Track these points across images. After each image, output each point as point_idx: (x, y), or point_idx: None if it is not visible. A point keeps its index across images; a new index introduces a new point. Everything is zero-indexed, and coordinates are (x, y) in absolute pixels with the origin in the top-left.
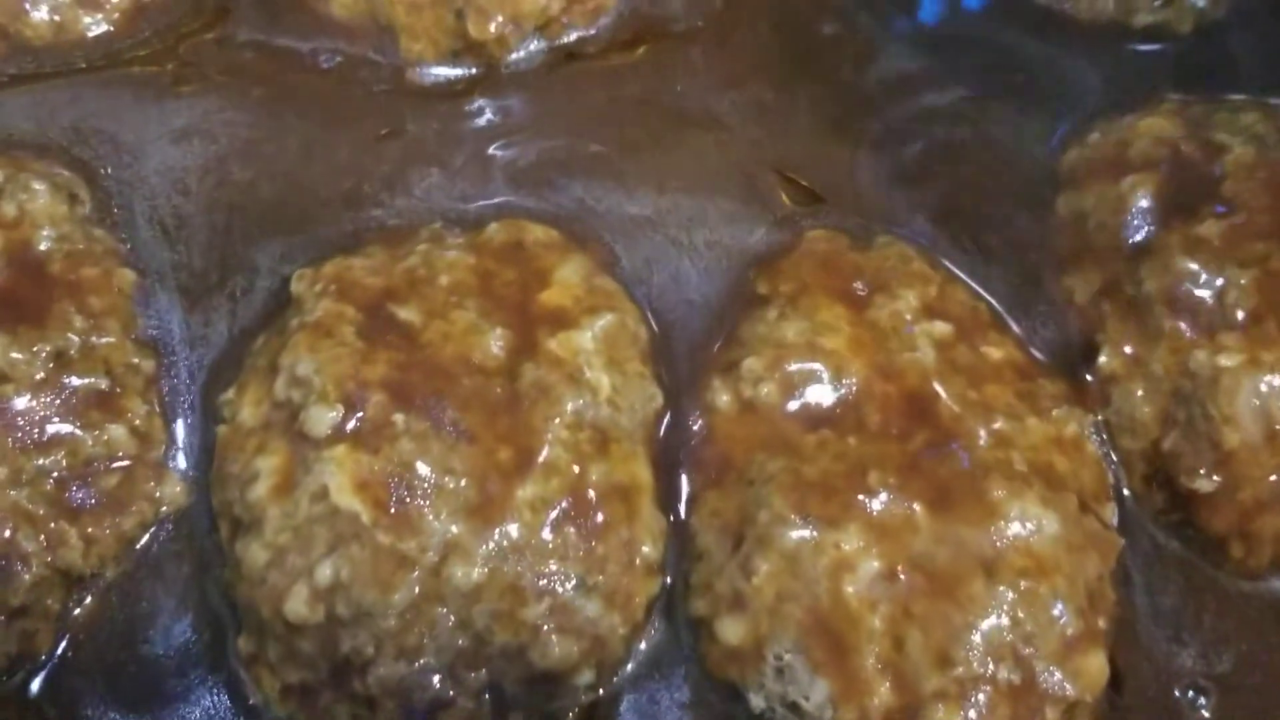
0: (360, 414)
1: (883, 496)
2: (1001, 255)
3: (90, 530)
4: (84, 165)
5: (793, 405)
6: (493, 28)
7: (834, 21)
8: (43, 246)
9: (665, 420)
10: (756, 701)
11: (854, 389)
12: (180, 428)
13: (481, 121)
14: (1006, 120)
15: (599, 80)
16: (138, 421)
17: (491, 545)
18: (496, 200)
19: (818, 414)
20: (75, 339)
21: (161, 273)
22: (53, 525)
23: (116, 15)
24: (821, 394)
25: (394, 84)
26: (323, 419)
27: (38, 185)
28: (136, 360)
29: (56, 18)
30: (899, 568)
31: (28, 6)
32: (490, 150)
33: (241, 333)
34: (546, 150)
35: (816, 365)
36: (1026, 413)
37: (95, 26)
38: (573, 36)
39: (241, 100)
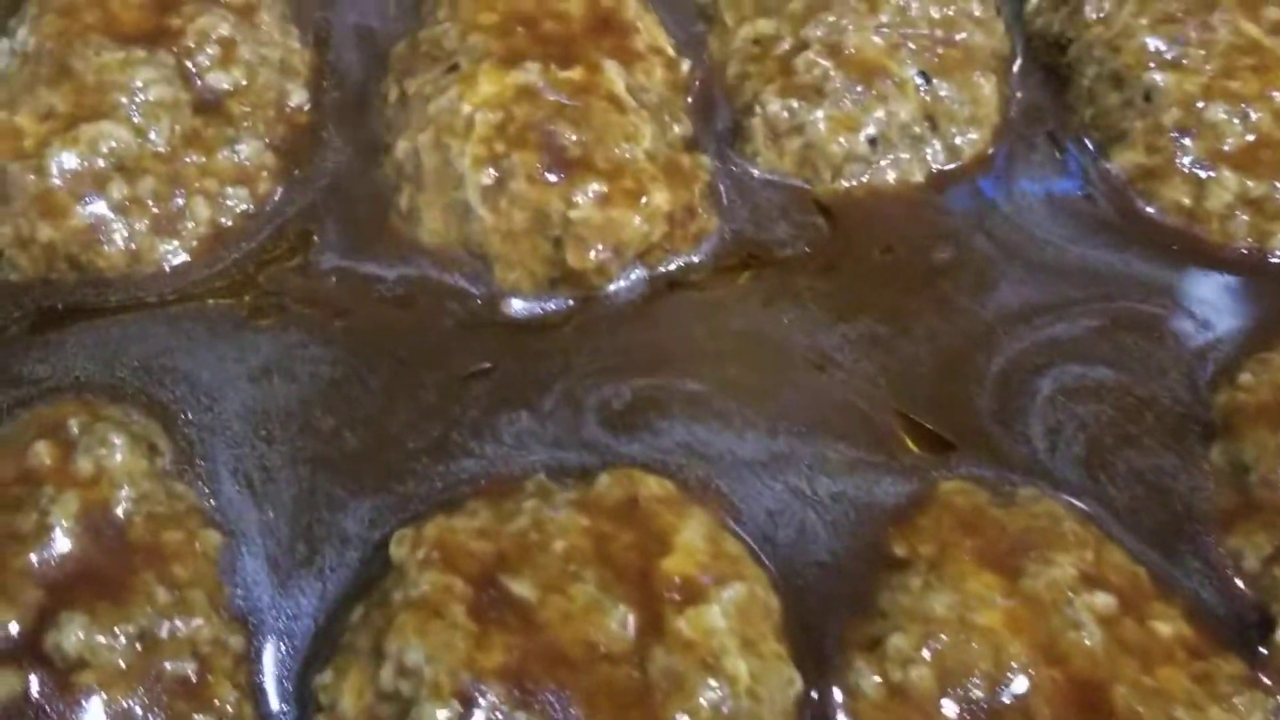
0: (477, 712)
1: None
2: (1152, 509)
3: None
4: (161, 409)
5: (949, 692)
6: (593, 256)
7: (948, 246)
8: (122, 508)
9: (806, 708)
10: None
11: (1017, 675)
12: (272, 715)
13: (575, 357)
14: (1143, 355)
15: (700, 311)
16: (229, 707)
17: None
18: (595, 446)
19: (978, 704)
20: (160, 618)
21: (248, 534)
22: None
23: (195, 243)
24: (980, 680)
25: (484, 316)
26: (436, 718)
27: (116, 437)
28: (225, 637)
29: (133, 246)
30: None
31: (102, 236)
32: (583, 390)
33: (337, 602)
34: (643, 389)
35: (973, 645)
36: (1206, 700)
37: (173, 255)
38: (674, 264)
39: (323, 334)
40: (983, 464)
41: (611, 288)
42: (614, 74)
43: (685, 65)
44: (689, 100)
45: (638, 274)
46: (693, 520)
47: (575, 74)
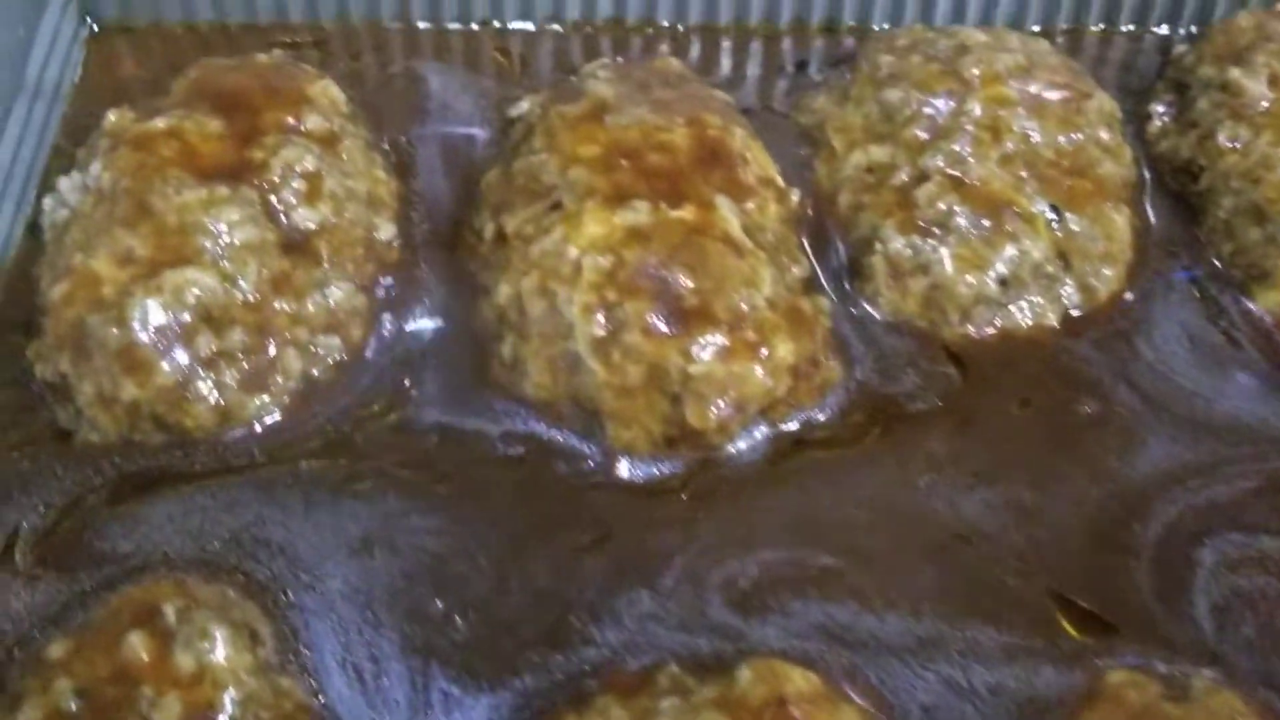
0: None
1: None
2: None
3: None
4: (259, 588)
5: None
6: (714, 414)
7: (1090, 399)
8: (228, 714)
9: None
10: None
11: None
12: None
13: (695, 527)
14: None
15: (827, 473)
16: None
17: None
18: (724, 630)
19: None
20: None
21: None
22: None
23: (286, 399)
24: None
25: (596, 478)
26: None
27: (216, 628)
28: None
29: (222, 403)
30: None
31: (189, 394)
32: (706, 565)
33: None
34: (770, 564)
35: None
36: None
37: (264, 413)
38: (798, 421)
39: (425, 500)
40: (1149, 649)
41: (732, 448)
42: (728, 212)
43: (795, 195)
44: (802, 236)
45: (760, 432)
46: None
47: (687, 213)
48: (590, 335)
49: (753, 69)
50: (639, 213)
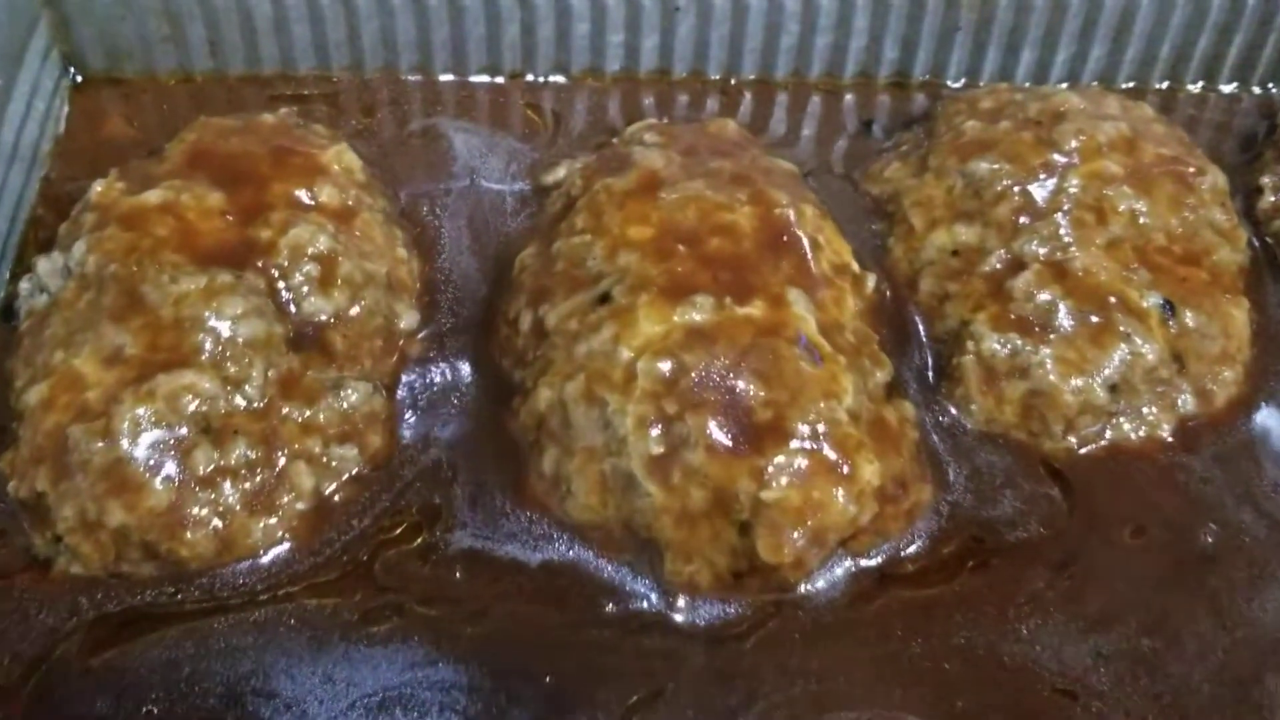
0: None
1: None
2: None
3: None
4: None
5: None
6: (788, 546)
7: (1214, 525)
8: None
9: None
10: None
11: None
12: None
13: (764, 682)
14: None
15: (917, 616)
16: None
17: None
18: None
19: None
20: None
21: None
22: None
23: (295, 522)
24: None
25: (650, 618)
26: None
27: None
28: None
29: (221, 529)
30: None
31: (184, 518)
32: None
33: None
34: None
35: None
36: None
37: (269, 540)
38: (884, 553)
39: (453, 646)
40: None
41: (808, 586)
42: (802, 309)
43: (871, 281)
44: (881, 330)
45: (841, 567)
46: None
47: (756, 310)
48: (646, 452)
49: (811, 128)
50: (701, 310)
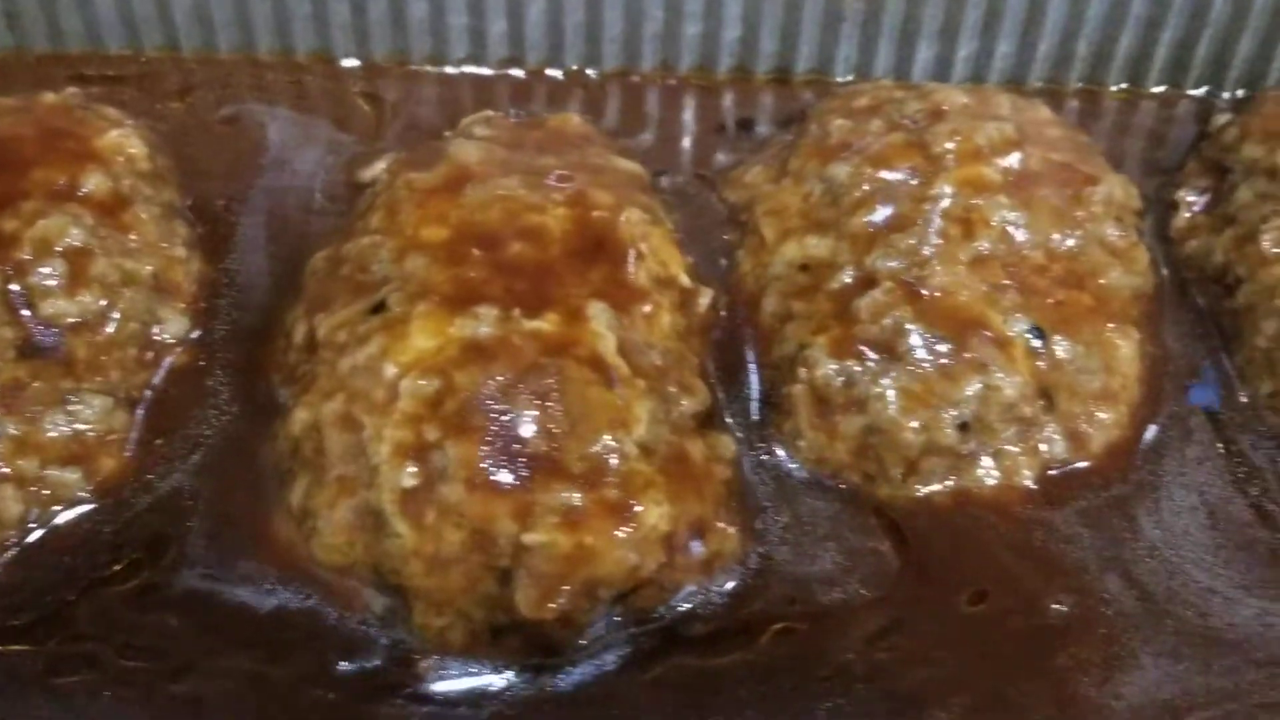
0: None
1: None
2: None
3: None
4: None
5: None
6: (552, 600)
7: (1071, 595)
8: None
9: None
10: None
11: None
12: None
13: None
14: None
15: (699, 686)
16: None
17: None
18: None
19: None
20: None
21: None
22: None
23: None
24: None
25: (391, 679)
26: None
27: None
28: None
29: None
30: None
31: None
32: None
33: None
34: None
35: None
36: None
37: None
38: (672, 612)
39: (145, 705)
40: None
41: (579, 646)
42: (602, 325)
43: (705, 297)
44: (707, 354)
45: (619, 626)
46: None
47: (548, 324)
48: (397, 485)
49: (680, 127)
50: (483, 322)
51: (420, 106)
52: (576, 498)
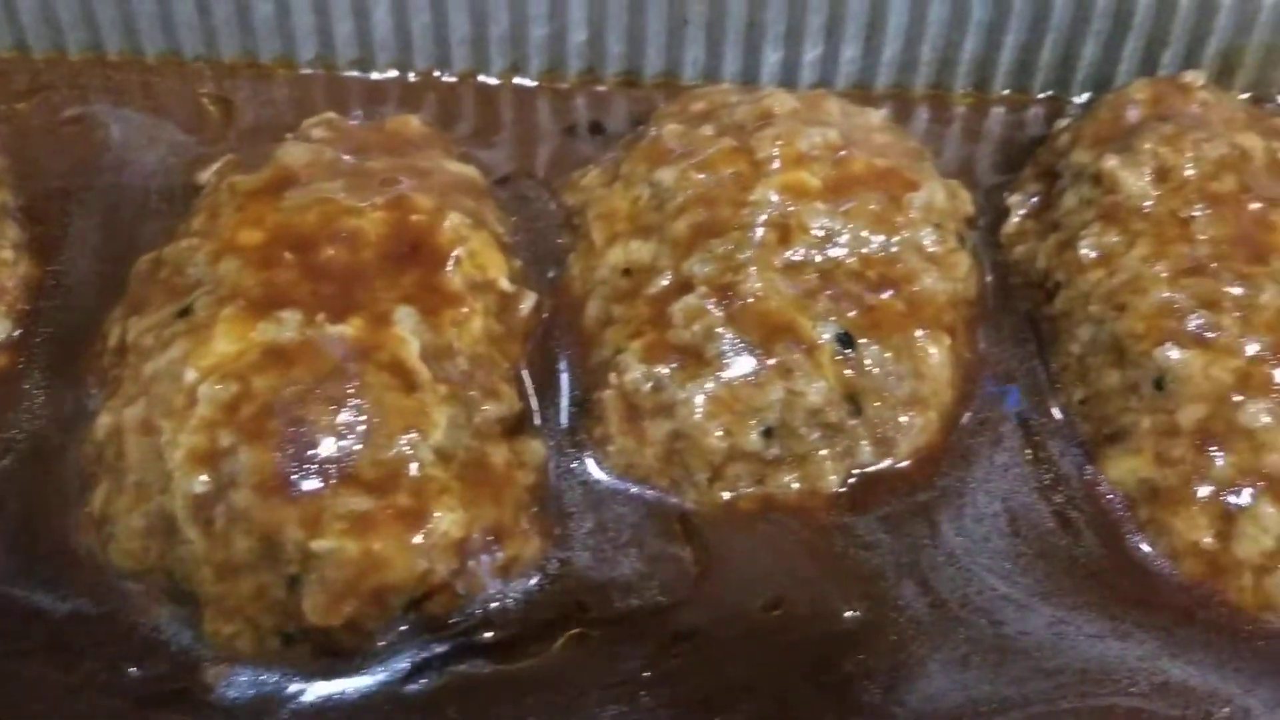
0: None
1: None
2: None
3: None
4: None
5: None
6: (340, 607)
7: (865, 601)
8: None
9: None
10: None
11: None
12: None
13: None
14: None
15: (483, 693)
16: None
17: None
18: None
19: None
20: None
21: None
22: None
23: None
24: None
25: (175, 691)
26: None
27: None
28: None
29: None
30: None
31: None
32: None
33: None
34: None
35: None
36: None
37: None
38: (465, 619)
39: None
40: None
41: (372, 651)
42: (406, 330)
43: (528, 303)
44: (523, 360)
45: (412, 633)
46: None
47: (351, 328)
48: (189, 491)
49: (535, 131)
50: (285, 326)
51: (268, 109)
52: (367, 504)
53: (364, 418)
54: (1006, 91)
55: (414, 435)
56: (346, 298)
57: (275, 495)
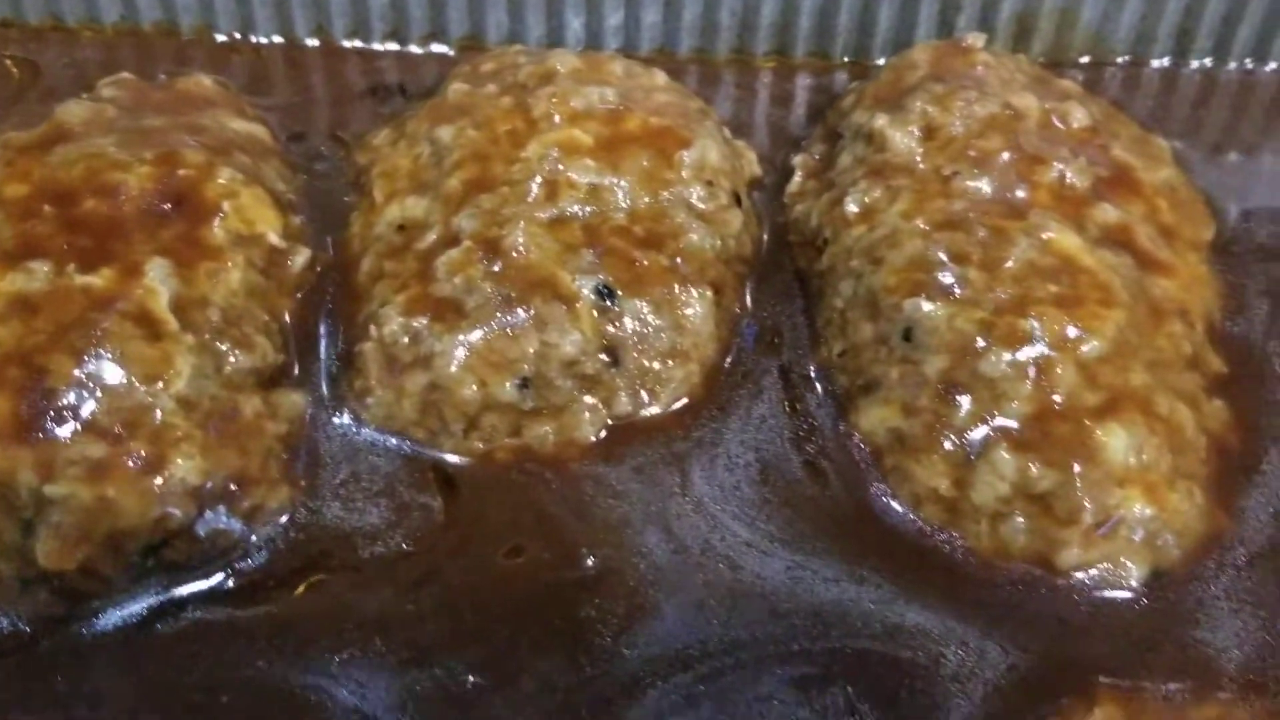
0: None
1: None
2: None
3: None
4: None
5: None
6: (73, 552)
7: (605, 548)
8: None
9: None
10: None
11: None
12: None
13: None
14: None
15: (215, 638)
16: None
17: None
18: None
19: None
20: None
21: None
22: None
23: None
24: None
25: None
26: None
27: None
28: None
29: None
30: None
31: None
32: None
33: None
34: None
35: None
36: None
37: None
38: (206, 565)
39: None
40: None
41: (109, 596)
42: (157, 279)
43: (300, 258)
44: (286, 312)
45: (148, 578)
46: None
47: (100, 279)
48: None
49: (341, 92)
50: (34, 277)
51: (73, 70)
52: (102, 450)
53: (106, 366)
54: (809, 56)
55: (156, 384)
56: (101, 250)
57: (11, 441)
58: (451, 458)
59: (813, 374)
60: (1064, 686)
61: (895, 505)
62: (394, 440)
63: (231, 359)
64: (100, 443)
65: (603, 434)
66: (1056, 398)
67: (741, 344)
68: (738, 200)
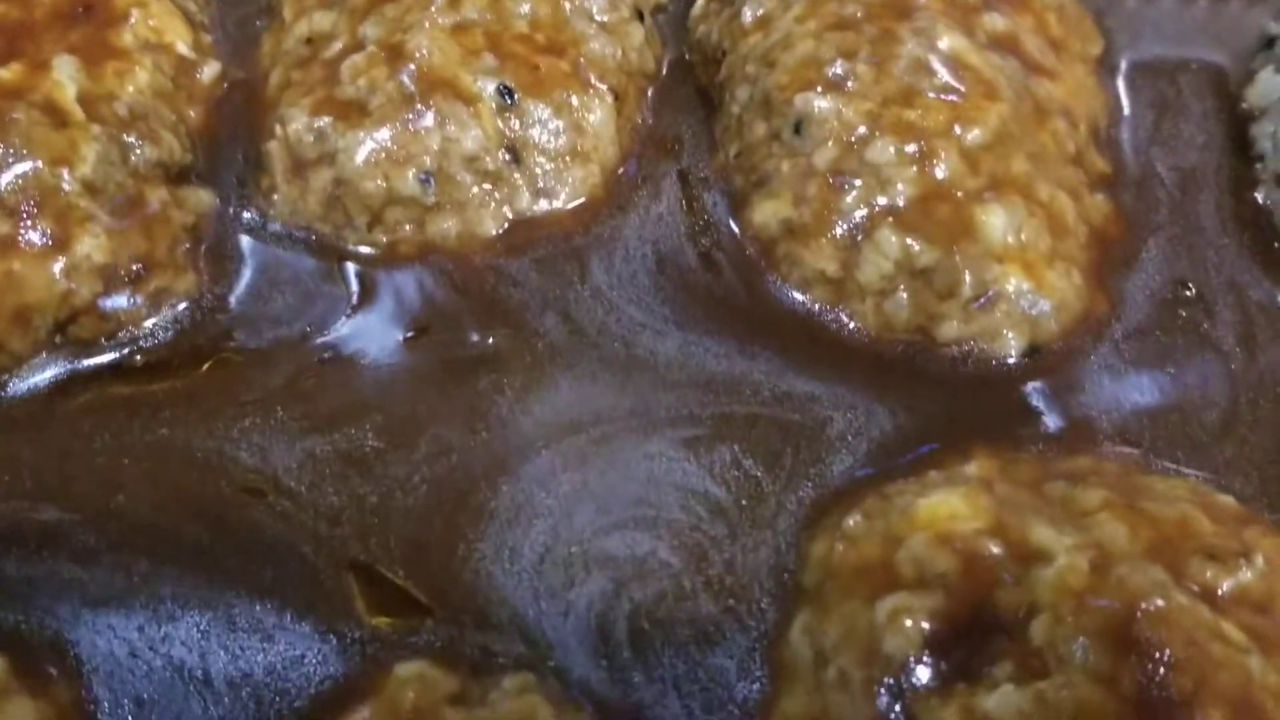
0: None
1: None
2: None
3: None
4: None
5: None
6: None
7: (505, 330)
8: None
9: None
10: None
11: None
12: None
13: None
14: (736, 490)
15: (121, 409)
16: None
17: None
18: None
19: None
20: None
21: None
22: None
23: None
24: None
25: None
26: None
27: None
28: None
29: None
30: None
31: None
32: None
33: None
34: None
35: None
36: None
37: None
38: (115, 343)
39: None
40: (467, 636)
41: (16, 372)
42: (64, 75)
43: (209, 69)
44: (208, 121)
45: (57, 352)
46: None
47: (9, 73)
48: None
49: None
50: None
51: None
52: (7, 227)
53: (11, 150)
54: None
55: (61, 168)
56: (11, 48)
57: None
58: (356, 249)
59: (710, 178)
60: (944, 441)
61: (786, 290)
62: (300, 234)
63: (138, 150)
64: (7, 221)
65: (504, 229)
66: (939, 180)
67: (645, 150)
68: (640, 17)
